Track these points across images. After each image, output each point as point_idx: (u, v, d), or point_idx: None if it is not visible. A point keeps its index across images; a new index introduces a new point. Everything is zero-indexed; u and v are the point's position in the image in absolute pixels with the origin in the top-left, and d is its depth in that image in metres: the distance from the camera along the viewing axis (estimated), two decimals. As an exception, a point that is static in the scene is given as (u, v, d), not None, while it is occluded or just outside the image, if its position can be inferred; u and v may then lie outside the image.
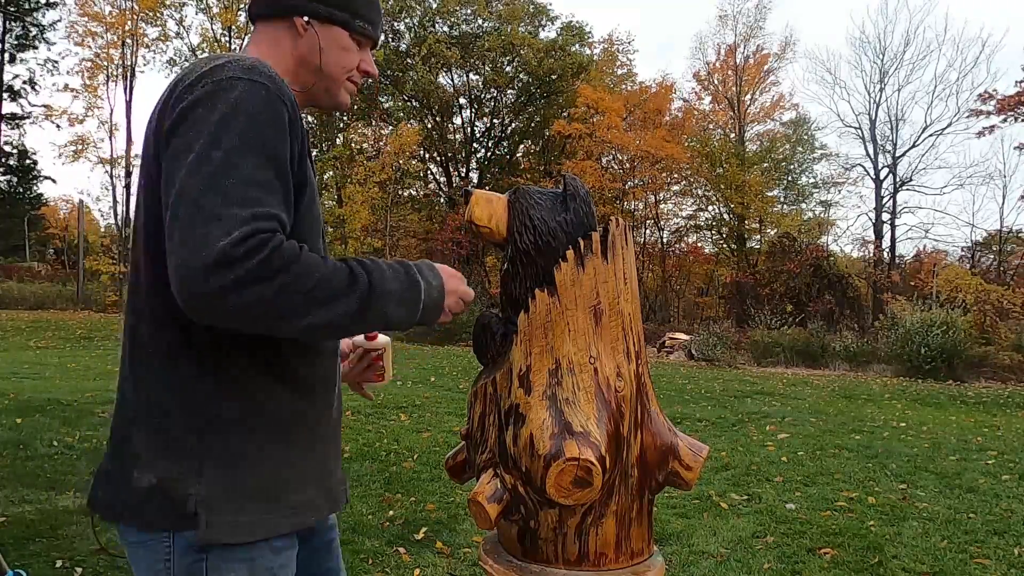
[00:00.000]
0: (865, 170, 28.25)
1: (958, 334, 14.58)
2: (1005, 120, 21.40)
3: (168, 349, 1.14)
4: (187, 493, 1.11)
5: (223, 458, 1.13)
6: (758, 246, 28.53)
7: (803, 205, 31.08)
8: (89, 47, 29.42)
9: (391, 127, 27.16)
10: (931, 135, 26.31)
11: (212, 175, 1.00)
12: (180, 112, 1.07)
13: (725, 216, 28.87)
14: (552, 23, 31.01)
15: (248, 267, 0.96)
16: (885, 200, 27.24)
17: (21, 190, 34.44)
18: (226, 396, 1.14)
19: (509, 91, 30.66)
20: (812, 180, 31.01)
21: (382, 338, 1.54)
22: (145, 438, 1.15)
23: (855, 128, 27.91)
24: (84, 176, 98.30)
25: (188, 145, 1.03)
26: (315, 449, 1.25)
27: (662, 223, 30.17)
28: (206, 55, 1.28)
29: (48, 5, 31.32)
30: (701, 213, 30.38)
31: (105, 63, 29.38)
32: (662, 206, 29.82)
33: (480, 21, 30.41)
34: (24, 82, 31.98)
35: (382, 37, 1.38)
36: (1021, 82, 20.37)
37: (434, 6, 29.99)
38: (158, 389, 1.15)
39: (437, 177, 32.86)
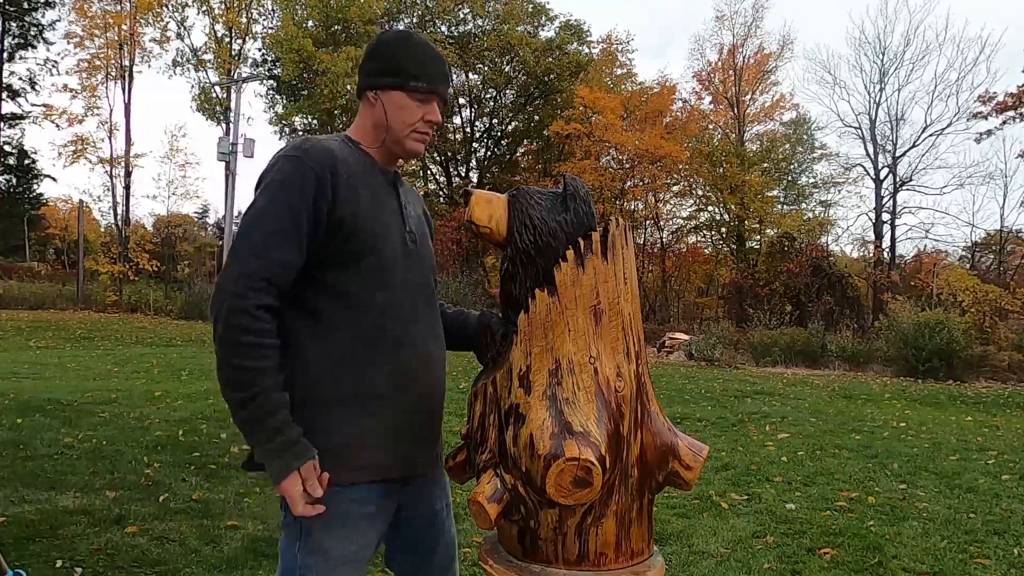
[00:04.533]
0: (865, 170, 28.25)
1: (956, 334, 14.59)
2: (1005, 123, 21.36)
3: (283, 352, 1.53)
4: None
5: (303, 424, 1.49)
6: (758, 246, 28.51)
7: (803, 205, 31.08)
8: (87, 48, 29.41)
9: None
10: (931, 135, 26.32)
11: (246, 225, 1.50)
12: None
13: (725, 216, 28.87)
14: (551, 23, 31.01)
15: (222, 319, 1.44)
16: (885, 200, 27.24)
17: (21, 190, 34.41)
18: (308, 385, 1.53)
19: (508, 91, 30.65)
20: (812, 180, 31.02)
21: None
22: None
23: (855, 128, 27.91)
24: (84, 176, 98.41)
25: (250, 203, 1.55)
26: (389, 421, 1.56)
27: (662, 223, 30.16)
28: None
29: (47, 5, 31.30)
30: (701, 213, 30.38)
31: (103, 64, 29.36)
32: (662, 206, 29.82)
33: (479, 21, 30.40)
34: (24, 81, 31.97)
35: (449, 88, 1.69)
36: (1022, 87, 20.26)
37: (431, 6, 29.98)
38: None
39: (437, 177, 32.88)
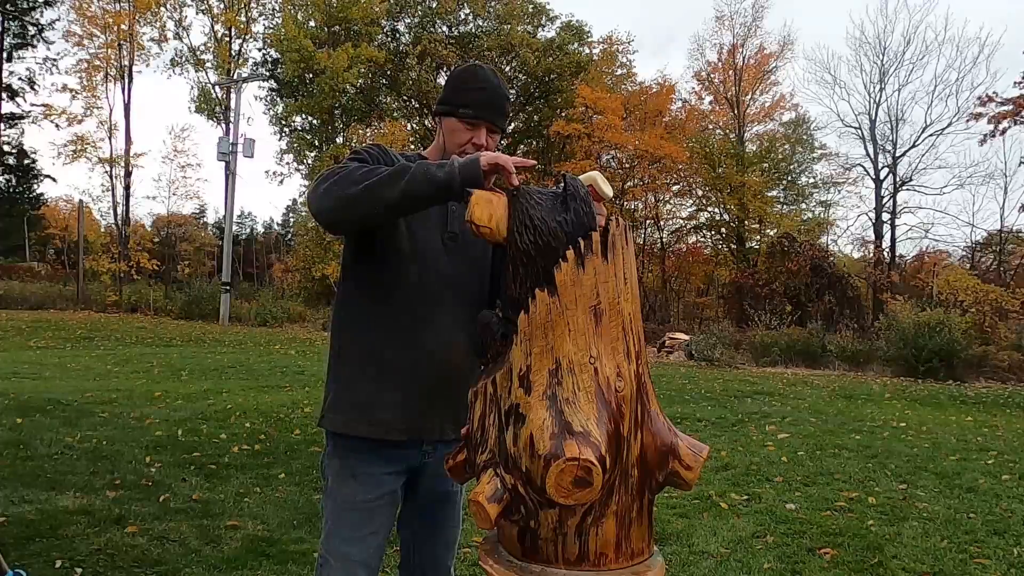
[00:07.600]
0: (865, 170, 28.21)
1: (956, 334, 14.58)
2: (1004, 131, 21.31)
3: (335, 309, 1.92)
4: (325, 399, 1.87)
5: (332, 380, 1.86)
6: (758, 246, 28.50)
7: (803, 205, 31.05)
8: (86, 47, 29.38)
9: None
10: (931, 135, 26.29)
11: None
12: None
13: (724, 216, 28.86)
14: (552, 23, 30.99)
15: (317, 187, 1.63)
16: (885, 200, 27.21)
17: (21, 190, 34.40)
18: (339, 345, 1.86)
19: (508, 91, 30.64)
20: (812, 180, 30.97)
21: None
22: None
23: (855, 128, 27.87)
24: (84, 176, 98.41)
25: None
26: (403, 390, 1.79)
27: (662, 223, 30.16)
28: None
29: (46, 4, 31.27)
30: (701, 213, 30.36)
31: (103, 64, 29.34)
32: (662, 206, 29.80)
33: (479, 21, 30.38)
34: (23, 81, 31.94)
35: (501, 118, 1.91)
36: (1020, 91, 20.19)
37: (432, 6, 29.95)
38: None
39: (437, 177, 32.82)
